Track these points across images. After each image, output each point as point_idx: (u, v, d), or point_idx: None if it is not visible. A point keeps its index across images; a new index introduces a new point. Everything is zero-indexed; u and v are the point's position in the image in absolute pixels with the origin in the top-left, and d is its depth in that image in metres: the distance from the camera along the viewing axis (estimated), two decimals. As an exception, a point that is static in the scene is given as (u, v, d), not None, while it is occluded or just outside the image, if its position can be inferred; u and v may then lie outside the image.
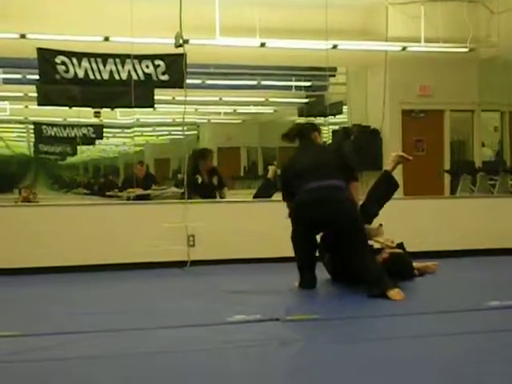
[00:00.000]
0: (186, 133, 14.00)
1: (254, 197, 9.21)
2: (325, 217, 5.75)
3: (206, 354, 3.97)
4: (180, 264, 7.68)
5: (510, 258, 8.02)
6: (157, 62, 9.40)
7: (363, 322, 4.79)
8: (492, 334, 4.32)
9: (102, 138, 16.71)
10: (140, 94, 9.61)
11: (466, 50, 11.57)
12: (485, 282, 6.46)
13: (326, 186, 5.84)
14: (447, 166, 12.91)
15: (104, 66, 9.40)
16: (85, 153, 18.17)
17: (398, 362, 3.72)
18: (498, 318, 4.77)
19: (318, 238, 6.20)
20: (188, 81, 9.27)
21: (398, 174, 12.49)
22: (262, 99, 16.34)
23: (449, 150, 13.06)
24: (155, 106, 10.26)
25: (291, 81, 16.46)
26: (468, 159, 13.47)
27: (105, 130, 16.62)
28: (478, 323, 4.62)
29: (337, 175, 5.94)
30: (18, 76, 13.74)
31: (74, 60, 9.26)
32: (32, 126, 16.25)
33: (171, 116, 16.02)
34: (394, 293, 5.40)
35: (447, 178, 12.75)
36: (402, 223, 8.23)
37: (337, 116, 15.87)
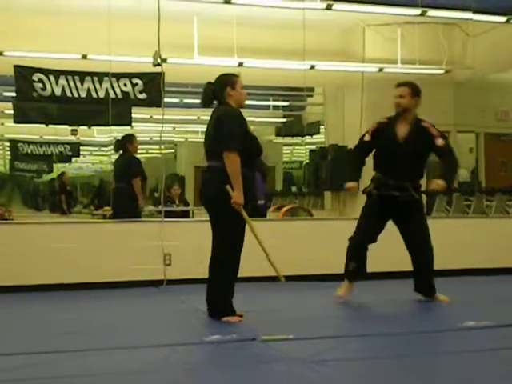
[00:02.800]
0: (164, 151, 13.98)
1: None
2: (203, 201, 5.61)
3: (182, 374, 3.94)
4: (156, 283, 7.64)
5: (487, 279, 8.07)
6: (134, 80, 9.40)
7: (336, 342, 4.78)
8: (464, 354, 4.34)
9: (78, 155, 16.65)
10: (117, 112, 9.59)
11: (441, 71, 11.70)
12: (460, 302, 6.49)
13: (205, 169, 5.59)
14: (423, 187, 12.98)
15: (81, 83, 9.38)
16: (61, 170, 18.06)
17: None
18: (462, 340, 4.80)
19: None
20: (166, 99, 9.28)
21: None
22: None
23: (426, 170, 13.14)
24: (133, 124, 10.24)
25: (269, 100, 16.52)
26: (444, 180, 13.56)
27: (82, 147, 16.57)
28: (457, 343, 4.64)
29: (214, 153, 5.45)
30: (-5, 93, 13.67)
31: (52, 77, 9.24)
32: (8, 144, 16.15)
33: (149, 134, 16.00)
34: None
35: (423, 199, 12.82)
36: (379, 243, 8.25)
37: (314, 136, 15.94)
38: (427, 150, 6.35)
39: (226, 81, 5.53)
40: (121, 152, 9.27)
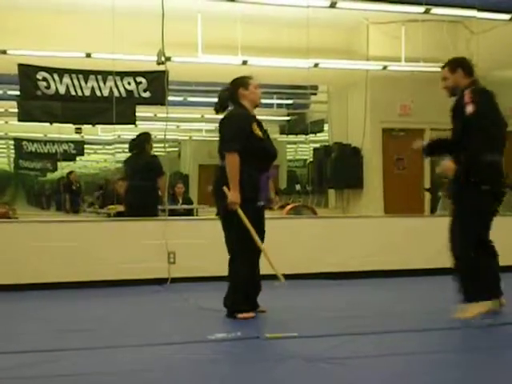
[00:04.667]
0: (168, 150, 14.00)
1: None
2: None
3: (186, 372, 3.95)
4: (160, 281, 7.66)
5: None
6: (139, 78, 9.40)
7: (339, 340, 4.78)
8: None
9: (83, 154, 16.67)
10: (121, 110, 9.58)
11: (446, 69, 11.66)
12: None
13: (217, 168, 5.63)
14: (428, 185, 12.98)
15: (86, 82, 9.38)
16: (65, 169, 18.09)
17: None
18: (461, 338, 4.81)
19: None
20: (170, 98, 9.29)
21: (378, 193, 12.62)
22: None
23: (429, 168, 13.14)
24: (137, 122, 10.24)
25: (273, 98, 16.52)
26: (449, 178, 13.54)
27: (86, 146, 16.58)
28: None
29: (221, 153, 5.50)
30: (-1, 91, 13.71)
31: (56, 76, 9.24)
32: (12, 142, 16.18)
33: (153, 133, 15.96)
34: None
35: (428, 197, 12.82)
36: (381, 242, 8.27)
37: (318, 134, 15.93)
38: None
39: (239, 83, 5.68)
40: (135, 151, 9.20)
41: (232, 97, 5.66)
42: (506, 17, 10.12)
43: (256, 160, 5.43)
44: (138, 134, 9.41)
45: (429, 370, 3.96)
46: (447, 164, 5.53)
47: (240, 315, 5.43)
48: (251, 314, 5.47)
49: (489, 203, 5.41)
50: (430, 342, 4.71)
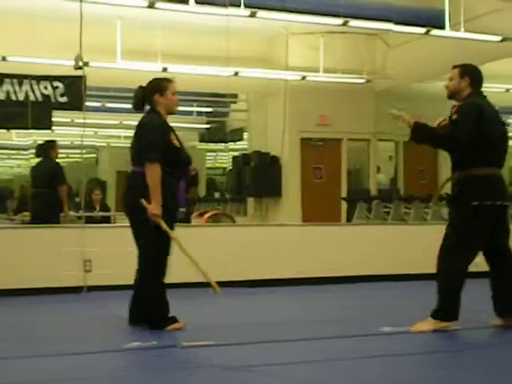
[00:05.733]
0: (85, 156, 13.79)
1: None
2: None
3: (101, 381, 3.90)
4: (76, 290, 7.52)
5: (405, 284, 8.23)
6: (55, 83, 9.23)
7: (256, 348, 4.80)
8: (385, 358, 4.43)
9: (-4, 159, 16.28)
10: (37, 115, 9.40)
11: (363, 81, 11.92)
12: (378, 307, 6.60)
13: (129, 174, 5.56)
14: (344, 194, 13.20)
15: (0, 85, 9.17)
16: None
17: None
18: (390, 343, 4.89)
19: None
20: (87, 103, 9.18)
21: (296, 201, 12.76)
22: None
23: (346, 177, 13.37)
24: (53, 128, 10.05)
25: (193, 106, 16.51)
26: (364, 187, 13.82)
27: (0, 151, 16.19)
28: (372, 348, 4.72)
29: (136, 159, 5.36)
30: None
31: (-30, 79, 9.00)
32: None
33: (69, 138, 15.76)
34: None
35: (344, 205, 13.02)
36: (299, 249, 8.34)
37: (237, 142, 16.00)
38: None
39: (155, 87, 5.41)
40: (41, 158, 9.25)
41: (147, 100, 5.42)
42: (422, 30, 10.39)
43: (174, 169, 5.36)
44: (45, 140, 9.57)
45: (338, 377, 4.02)
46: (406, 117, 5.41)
47: (173, 326, 5.29)
48: (181, 324, 5.36)
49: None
50: (343, 348, 4.78)
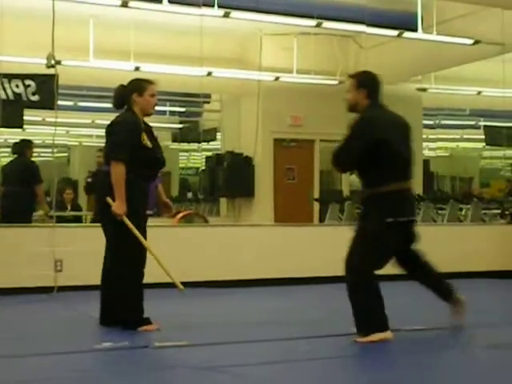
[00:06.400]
0: (56, 155, 13.69)
1: None
2: None
3: (70, 382, 3.86)
4: (46, 290, 7.45)
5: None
6: (27, 81, 9.13)
7: (231, 348, 4.80)
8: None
9: (-34, 157, 16.08)
10: (9, 113, 9.30)
11: (336, 82, 11.94)
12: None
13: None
14: (317, 195, 13.23)
15: (-29, 84, 9.07)
16: None
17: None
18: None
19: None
20: (59, 102, 9.08)
21: (268, 202, 12.77)
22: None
23: (318, 178, 13.40)
24: (25, 126, 9.96)
25: (166, 106, 16.44)
26: (336, 188, 13.87)
27: (-30, 149, 16.00)
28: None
29: (106, 158, 5.42)
30: None
31: None
32: None
33: (41, 137, 15.62)
34: None
35: (316, 206, 13.06)
36: (271, 250, 8.35)
37: (210, 142, 15.98)
38: None
39: (135, 86, 5.43)
40: (16, 155, 9.37)
41: (125, 99, 5.44)
42: (394, 33, 10.45)
43: (144, 169, 5.33)
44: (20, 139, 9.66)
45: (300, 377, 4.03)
46: None
47: (145, 327, 5.25)
48: (153, 327, 5.30)
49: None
50: (315, 348, 4.79)
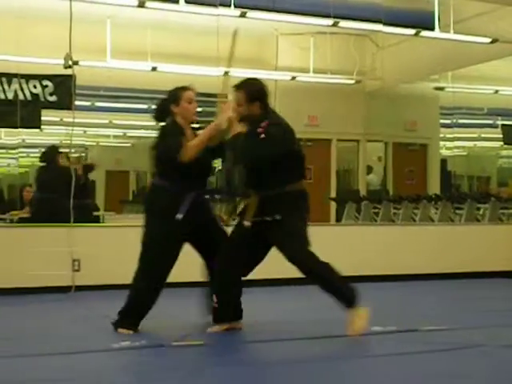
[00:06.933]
0: (74, 155, 13.73)
1: None
2: None
3: (88, 382, 3.88)
4: (64, 289, 7.50)
5: (404, 284, 8.29)
6: (45, 82, 9.22)
7: (250, 347, 4.80)
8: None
9: (-16, 158, 16.18)
10: (26, 114, 9.39)
11: (352, 81, 11.94)
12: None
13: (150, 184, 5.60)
14: (333, 194, 13.21)
15: (-11, 84, 9.14)
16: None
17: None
18: (382, 343, 4.90)
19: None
20: (77, 102, 9.14)
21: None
22: (153, 123, 16.25)
23: (335, 178, 13.38)
24: (42, 126, 10.03)
25: (182, 106, 16.45)
26: (353, 188, 13.84)
27: (-12, 150, 16.09)
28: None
29: (156, 170, 5.45)
30: None
31: (-42, 78, 8.97)
32: None
33: (58, 138, 15.68)
34: None
35: (333, 206, 13.04)
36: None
37: (227, 142, 15.94)
38: None
39: (170, 97, 5.36)
40: (45, 163, 9.23)
41: (166, 111, 5.37)
42: (411, 32, 10.41)
43: (188, 179, 5.18)
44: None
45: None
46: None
47: (122, 330, 5.21)
48: (129, 331, 5.19)
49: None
50: (293, 351, 4.78)
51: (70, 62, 8.45)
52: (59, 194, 8.76)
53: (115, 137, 17.50)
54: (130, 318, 5.26)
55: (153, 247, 5.20)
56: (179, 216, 5.07)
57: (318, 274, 5.11)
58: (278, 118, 5.23)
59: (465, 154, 18.59)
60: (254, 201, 5.15)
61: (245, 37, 12.01)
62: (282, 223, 5.06)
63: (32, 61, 9.76)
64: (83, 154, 16.60)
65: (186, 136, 5.25)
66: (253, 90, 5.30)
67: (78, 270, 7.62)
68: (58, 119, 12.78)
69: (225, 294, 5.23)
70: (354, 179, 13.96)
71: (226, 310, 5.27)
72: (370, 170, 14.25)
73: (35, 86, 9.23)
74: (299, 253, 5.10)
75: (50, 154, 9.34)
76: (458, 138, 17.25)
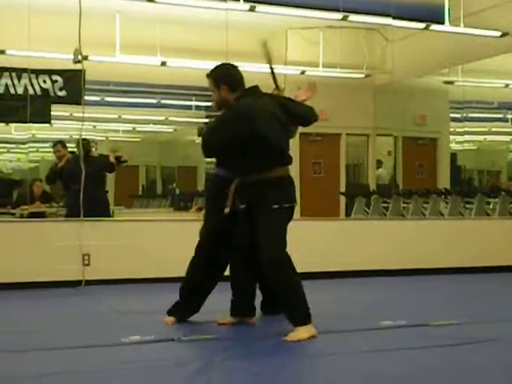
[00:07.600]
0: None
1: None
2: None
3: (98, 375, 3.89)
4: (74, 284, 7.52)
5: (406, 279, 8.27)
6: (54, 77, 9.22)
7: (260, 343, 4.80)
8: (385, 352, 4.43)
9: (-5, 152, 16.25)
10: (36, 109, 9.39)
11: (362, 75, 11.91)
12: (377, 302, 6.60)
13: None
14: (343, 189, 13.19)
15: (-1, 79, 9.16)
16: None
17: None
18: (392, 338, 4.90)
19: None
20: (86, 97, 9.15)
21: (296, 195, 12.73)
22: (162, 118, 16.29)
23: (345, 172, 13.36)
24: (52, 121, 10.04)
25: (191, 100, 16.46)
26: (363, 182, 13.82)
27: (-2, 144, 16.16)
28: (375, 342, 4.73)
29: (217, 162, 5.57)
30: None
31: (-32, 73, 8.99)
32: None
33: (68, 132, 15.71)
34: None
35: (343, 200, 13.02)
36: (299, 244, 8.33)
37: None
38: None
39: None
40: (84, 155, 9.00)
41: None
42: (421, 25, 10.38)
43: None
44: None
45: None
46: None
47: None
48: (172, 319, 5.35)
49: None
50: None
51: (80, 57, 8.45)
52: (99, 186, 8.89)
53: (125, 131, 17.54)
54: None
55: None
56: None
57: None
58: (247, 103, 5.15)
59: (475, 148, 18.53)
60: (232, 188, 5.09)
61: (254, 31, 12.07)
62: (263, 216, 5.01)
63: (42, 55, 9.77)
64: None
65: None
66: (217, 75, 5.28)
67: (88, 265, 7.64)
68: (67, 114, 12.82)
69: (240, 288, 5.28)
70: (363, 173, 13.94)
71: (241, 303, 5.30)
72: (379, 164, 14.23)
73: (45, 81, 9.23)
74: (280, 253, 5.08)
75: (86, 145, 9.24)
76: (468, 132, 17.20)
